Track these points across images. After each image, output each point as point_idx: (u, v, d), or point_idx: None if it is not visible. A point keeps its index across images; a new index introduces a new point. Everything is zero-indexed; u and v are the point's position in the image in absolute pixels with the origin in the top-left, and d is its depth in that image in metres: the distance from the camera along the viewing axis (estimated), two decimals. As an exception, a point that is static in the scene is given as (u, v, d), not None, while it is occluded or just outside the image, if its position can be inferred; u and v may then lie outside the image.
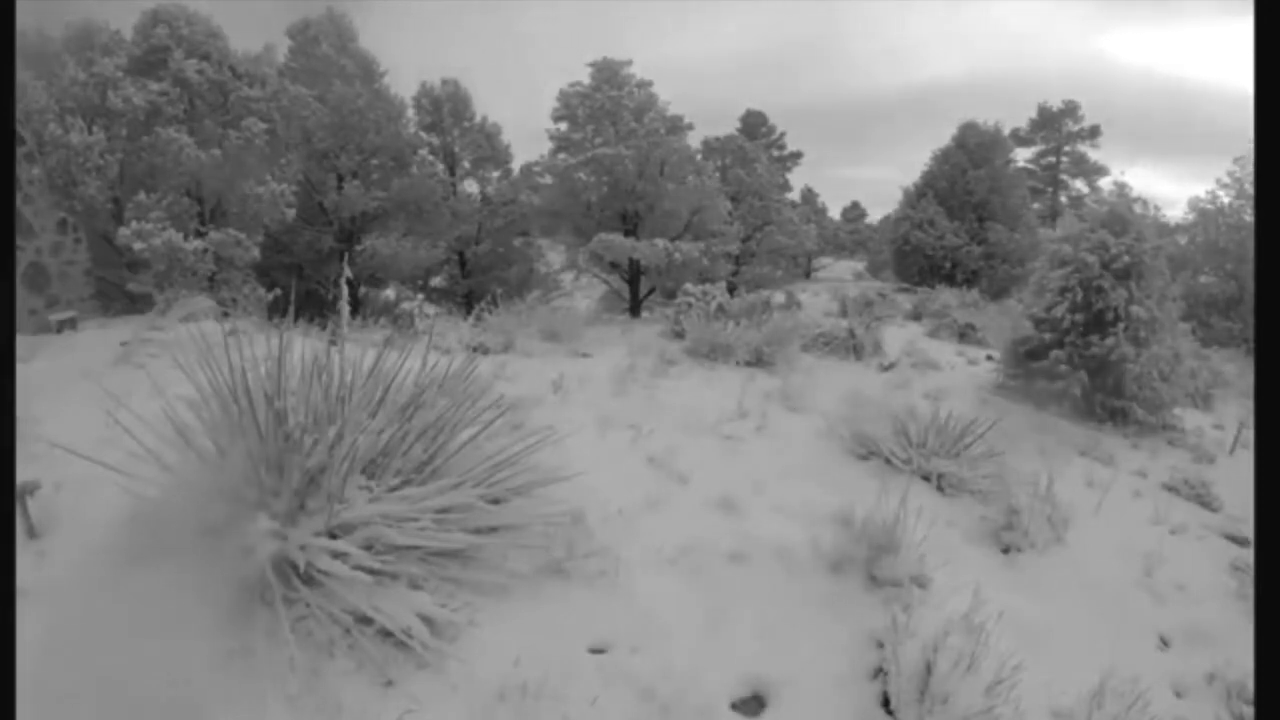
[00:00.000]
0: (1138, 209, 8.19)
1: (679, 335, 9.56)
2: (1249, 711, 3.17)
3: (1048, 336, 7.91)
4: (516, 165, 18.32)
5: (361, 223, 16.65)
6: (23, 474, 3.00)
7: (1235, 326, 16.85)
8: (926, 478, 4.94)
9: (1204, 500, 5.91)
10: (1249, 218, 17.59)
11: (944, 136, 25.93)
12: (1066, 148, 37.41)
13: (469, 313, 11.70)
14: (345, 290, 4.30)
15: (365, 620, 2.53)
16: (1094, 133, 36.84)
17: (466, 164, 18.02)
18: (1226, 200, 18.57)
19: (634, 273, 17.33)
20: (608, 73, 17.17)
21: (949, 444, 5.16)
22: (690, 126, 17.41)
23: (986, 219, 24.13)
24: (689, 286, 10.77)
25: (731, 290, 14.15)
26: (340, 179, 16.13)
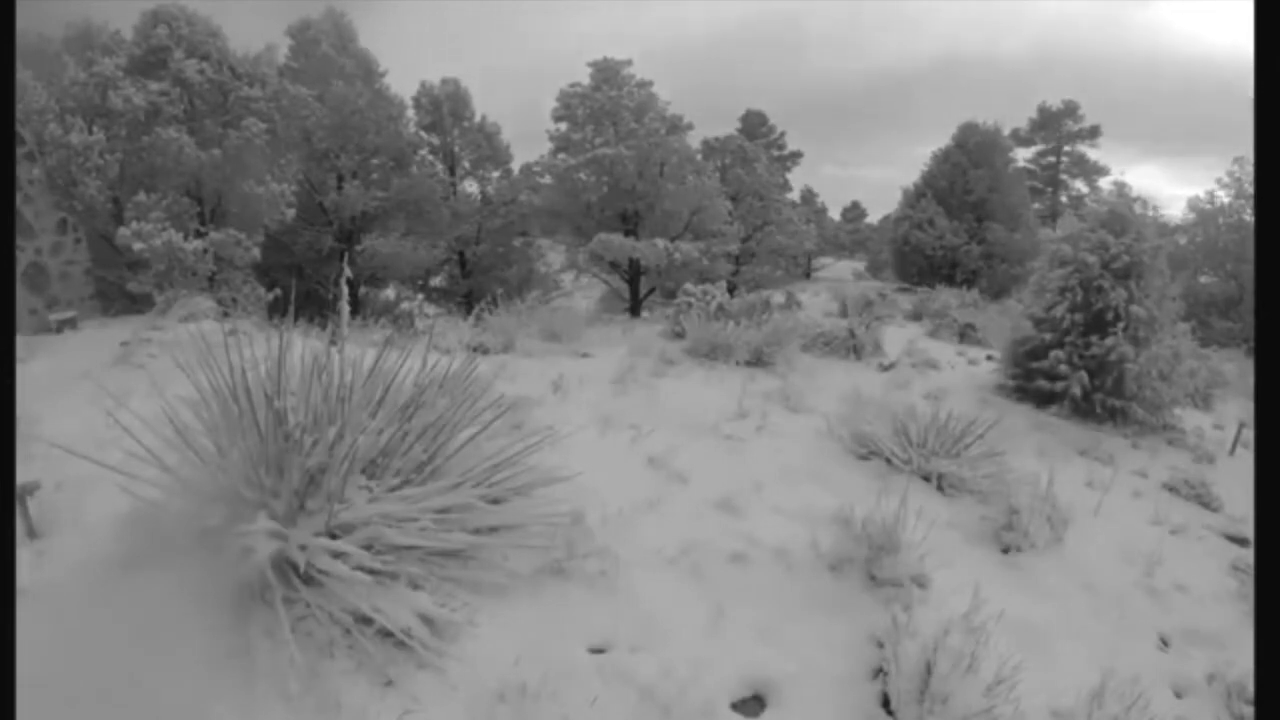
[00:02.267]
0: (1137, 209, 8.19)
1: (679, 335, 9.56)
2: (1249, 711, 3.17)
3: (1048, 336, 7.91)
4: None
5: (361, 223, 16.66)
6: (23, 474, 3.00)
7: (1235, 326, 16.85)
8: (927, 478, 4.94)
9: (1204, 500, 5.91)
10: (1249, 218, 17.60)
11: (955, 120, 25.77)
12: (1066, 148, 37.40)
13: (469, 313, 11.71)
14: (345, 290, 4.28)
15: (365, 620, 2.53)
16: (1094, 133, 36.86)
17: (466, 164, 18.04)
18: (1226, 200, 18.59)
19: (634, 273, 17.34)
20: (607, 73, 17.18)
21: (949, 444, 5.16)
22: (690, 126, 17.43)
23: (986, 219, 24.15)
24: (689, 286, 10.76)
25: (731, 290, 14.16)
26: (340, 179, 16.14)
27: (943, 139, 25.50)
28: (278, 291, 11.48)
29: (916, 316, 15.76)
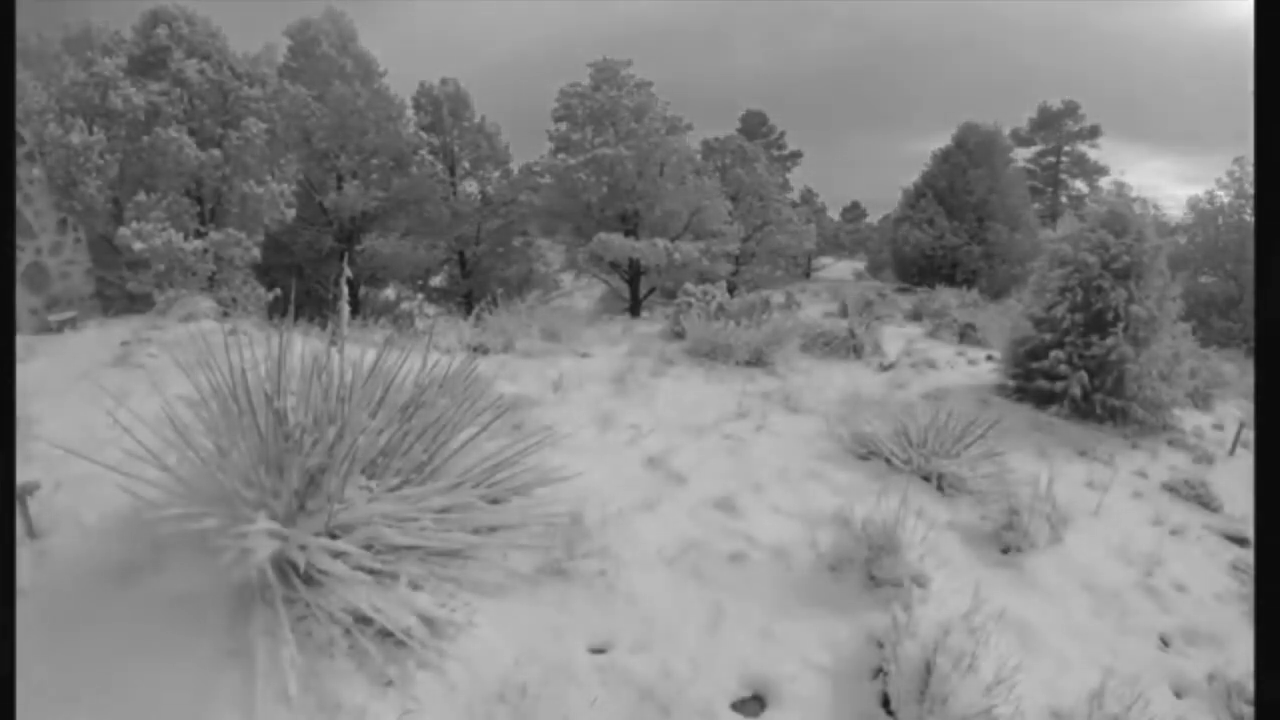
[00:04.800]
0: (1137, 208, 8.18)
1: (679, 335, 9.56)
2: (1249, 711, 3.17)
3: (1048, 336, 7.91)
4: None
5: (361, 223, 16.67)
6: (22, 474, 3.00)
7: (1235, 326, 16.86)
8: (927, 478, 4.94)
9: (1204, 500, 5.91)
10: (1249, 218, 17.61)
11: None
12: (1066, 147, 37.43)
13: (469, 313, 11.71)
14: (345, 290, 4.29)
15: (365, 620, 2.53)
16: (1094, 132, 36.90)
17: (466, 164, 18.02)
18: (1226, 200, 18.60)
19: (634, 273, 17.34)
20: (607, 73, 17.20)
21: (949, 444, 5.15)
22: (690, 127, 17.44)
23: (986, 219, 24.13)
24: (689, 286, 10.77)
25: (731, 290, 14.16)
26: (340, 179, 16.15)
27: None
28: (278, 291, 11.48)
29: (916, 316, 15.74)
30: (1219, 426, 8.69)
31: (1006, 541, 4.21)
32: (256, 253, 11.37)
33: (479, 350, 7.64)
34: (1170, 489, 6.07)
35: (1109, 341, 7.51)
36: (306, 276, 15.64)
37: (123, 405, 3.25)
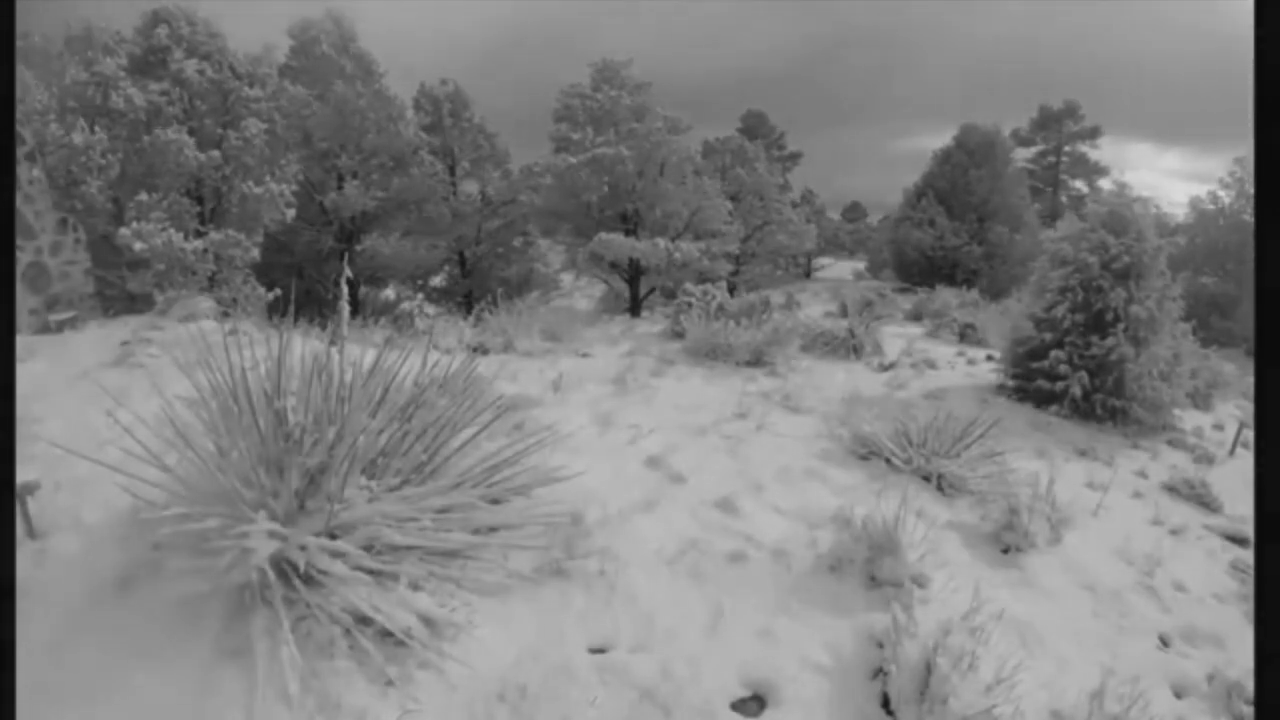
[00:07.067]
0: (1138, 208, 8.18)
1: (679, 335, 9.57)
2: (1249, 711, 3.17)
3: (1048, 336, 7.91)
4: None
5: (361, 223, 16.66)
6: (22, 474, 3.00)
7: (1235, 326, 16.86)
8: (927, 478, 4.94)
9: (1204, 500, 5.91)
10: (1249, 218, 17.62)
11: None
12: (1067, 148, 37.41)
13: (469, 313, 11.72)
14: (345, 290, 4.29)
15: (365, 620, 2.53)
16: (1094, 133, 36.86)
17: (466, 164, 18.02)
18: (1227, 200, 18.61)
19: (634, 273, 17.32)
20: (607, 73, 17.20)
21: (949, 444, 5.16)
22: (689, 127, 17.43)
23: (987, 219, 24.13)
24: (689, 286, 10.77)
25: (731, 290, 14.16)
26: (340, 179, 16.13)
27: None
28: (278, 291, 11.48)
29: (916, 317, 15.75)
30: (1219, 426, 8.70)
31: (1006, 541, 4.21)
32: (256, 253, 11.35)
33: (479, 350, 7.65)
34: (1170, 489, 6.07)
35: (1109, 342, 7.51)
36: (306, 276, 15.63)
37: (123, 405, 3.26)
